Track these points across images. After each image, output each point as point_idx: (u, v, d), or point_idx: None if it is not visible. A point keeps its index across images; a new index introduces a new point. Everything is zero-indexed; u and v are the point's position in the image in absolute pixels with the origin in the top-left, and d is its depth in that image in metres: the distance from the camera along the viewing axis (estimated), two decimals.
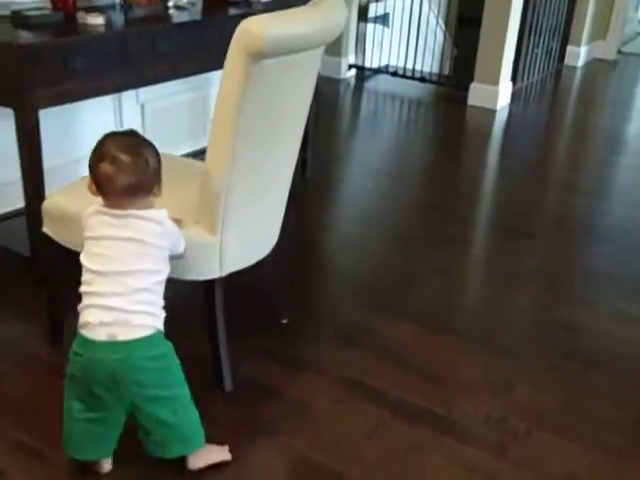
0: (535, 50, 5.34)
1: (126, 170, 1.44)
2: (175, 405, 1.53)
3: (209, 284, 1.84)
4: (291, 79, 1.77)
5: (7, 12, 2.36)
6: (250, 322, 2.25)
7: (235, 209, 1.78)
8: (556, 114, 5.06)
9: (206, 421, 1.63)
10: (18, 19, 2.30)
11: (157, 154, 1.53)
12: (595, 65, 6.18)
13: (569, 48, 6.03)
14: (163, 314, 1.54)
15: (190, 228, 1.75)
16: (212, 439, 1.67)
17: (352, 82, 5.25)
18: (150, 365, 1.47)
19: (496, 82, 4.66)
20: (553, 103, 5.32)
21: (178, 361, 1.55)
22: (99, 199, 1.51)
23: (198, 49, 2.66)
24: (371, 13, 5.32)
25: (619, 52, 6.40)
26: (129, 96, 3.06)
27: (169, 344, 1.53)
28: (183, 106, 3.42)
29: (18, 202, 2.39)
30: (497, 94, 4.68)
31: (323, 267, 2.73)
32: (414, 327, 2.29)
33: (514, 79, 4.93)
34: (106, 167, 1.44)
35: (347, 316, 2.34)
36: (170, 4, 2.79)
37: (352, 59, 5.34)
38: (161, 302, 1.53)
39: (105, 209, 1.49)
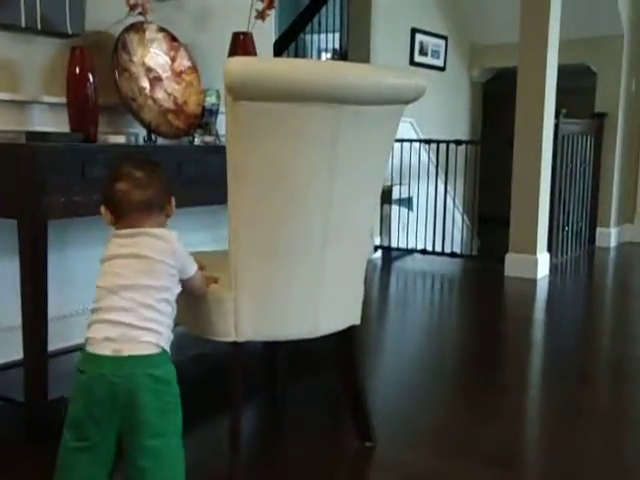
0: (565, 228, 5.21)
1: (142, 185, 1.45)
2: (165, 442, 1.38)
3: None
4: (310, 136, 1.63)
5: (22, 135, 2.20)
6: (330, 439, 1.95)
7: (246, 266, 1.67)
8: (598, 288, 4.76)
9: None
10: (33, 136, 2.13)
11: (165, 174, 1.53)
12: (627, 247, 5.99)
13: (599, 230, 5.91)
14: (169, 334, 1.45)
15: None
16: None
17: (379, 263, 5.06)
18: (153, 386, 1.37)
19: (533, 251, 4.44)
20: (591, 278, 5.05)
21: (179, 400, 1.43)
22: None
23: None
24: (395, 195, 5.27)
25: None
26: None
27: (173, 368, 1.43)
28: None
29: None
30: (536, 262, 4.44)
31: None
32: None
33: (549, 251, 4.71)
34: (122, 185, 1.45)
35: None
36: (197, 141, 2.66)
37: (377, 240, 5.20)
38: (168, 322, 1.45)
39: (116, 232, 1.47)
